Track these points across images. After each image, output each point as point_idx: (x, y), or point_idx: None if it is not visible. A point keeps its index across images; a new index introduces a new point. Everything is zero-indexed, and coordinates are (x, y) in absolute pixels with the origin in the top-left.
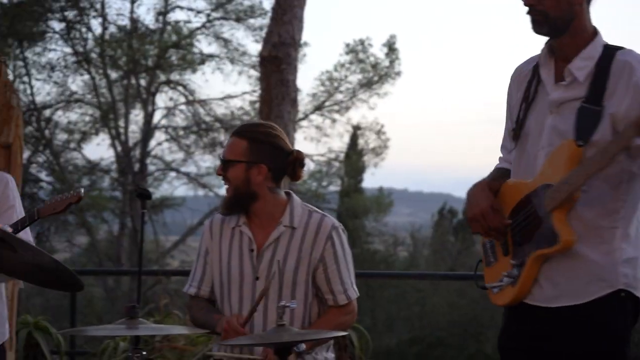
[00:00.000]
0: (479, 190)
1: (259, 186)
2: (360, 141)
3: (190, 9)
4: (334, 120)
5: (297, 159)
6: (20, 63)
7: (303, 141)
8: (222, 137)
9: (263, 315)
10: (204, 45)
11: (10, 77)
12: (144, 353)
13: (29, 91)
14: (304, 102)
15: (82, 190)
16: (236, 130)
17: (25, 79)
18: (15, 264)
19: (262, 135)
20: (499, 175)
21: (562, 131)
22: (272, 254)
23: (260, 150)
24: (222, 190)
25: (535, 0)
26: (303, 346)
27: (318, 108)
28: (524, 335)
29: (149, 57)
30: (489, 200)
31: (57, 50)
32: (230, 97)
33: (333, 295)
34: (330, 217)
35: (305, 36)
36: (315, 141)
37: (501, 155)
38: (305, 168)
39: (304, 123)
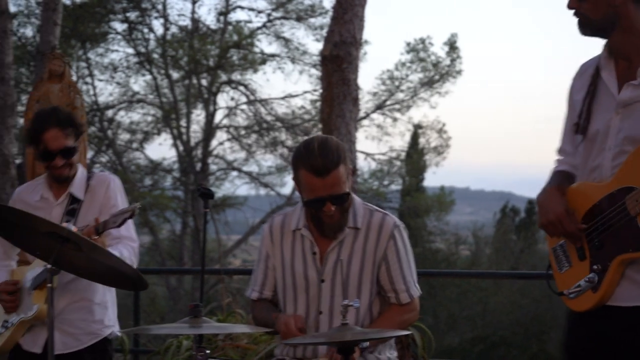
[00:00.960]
0: (551, 195)
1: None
2: (422, 140)
3: (251, 9)
4: (395, 119)
5: None
6: (83, 64)
7: (364, 140)
8: (284, 136)
9: (329, 315)
10: (265, 44)
11: (74, 78)
12: (208, 352)
13: (91, 92)
14: (365, 100)
15: (138, 206)
16: (328, 165)
17: (88, 79)
18: (80, 263)
19: (343, 151)
20: (563, 178)
21: (634, 132)
22: (336, 255)
23: (347, 159)
24: (284, 190)
25: (576, 4)
26: (367, 343)
27: (379, 107)
28: (599, 336)
29: (210, 57)
30: (563, 205)
31: (119, 51)
32: (291, 96)
33: (396, 293)
34: (392, 216)
35: (366, 34)
36: (376, 140)
37: (559, 157)
38: (366, 167)
39: (365, 122)
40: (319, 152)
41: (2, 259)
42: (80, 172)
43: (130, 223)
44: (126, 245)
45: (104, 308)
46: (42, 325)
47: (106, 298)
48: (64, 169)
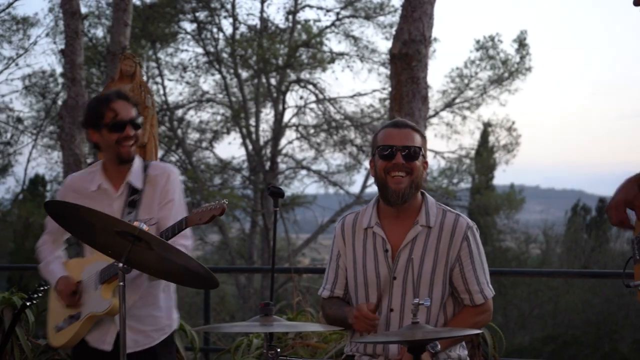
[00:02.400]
0: (625, 183)
1: (423, 181)
2: (491, 138)
3: (320, 8)
4: (464, 117)
5: None
6: (153, 64)
7: (434, 138)
8: (353, 134)
9: (399, 314)
10: (334, 43)
11: (144, 78)
12: (278, 350)
13: (161, 91)
14: (434, 99)
15: (226, 202)
16: (407, 123)
17: (158, 79)
18: (152, 262)
19: (423, 134)
20: None
21: None
22: (408, 253)
23: (425, 146)
24: (353, 188)
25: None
26: (438, 347)
27: (448, 105)
28: None
29: (279, 56)
30: (626, 194)
31: (188, 51)
32: (360, 94)
33: (470, 294)
34: (465, 217)
35: (435, 32)
36: (445, 138)
37: None
38: (436, 165)
39: (434, 120)
40: (398, 119)
41: (53, 249)
42: (137, 160)
43: (189, 233)
44: (179, 246)
45: (169, 301)
46: (110, 321)
47: (170, 291)
48: (131, 144)
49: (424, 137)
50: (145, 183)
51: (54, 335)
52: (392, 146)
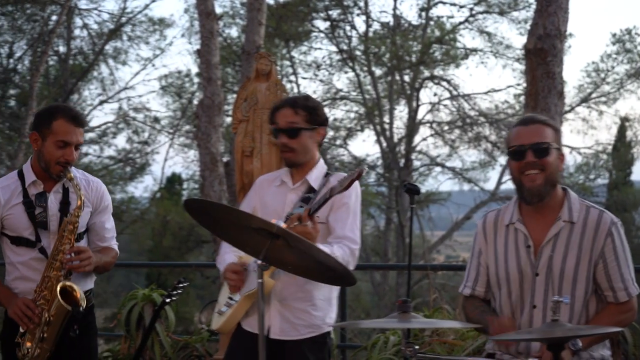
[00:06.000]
0: None
1: (560, 175)
2: (629, 132)
3: (453, 4)
4: (600, 112)
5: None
6: (287, 62)
7: (569, 134)
8: (487, 131)
9: (542, 311)
10: (468, 39)
11: (279, 76)
12: (417, 347)
13: (296, 89)
14: (570, 94)
15: (365, 168)
16: (536, 119)
17: (292, 77)
18: (290, 258)
19: (552, 122)
20: None
21: None
22: (551, 249)
23: (560, 139)
24: (488, 185)
25: None
26: (579, 344)
27: (584, 100)
28: None
29: (412, 53)
30: None
31: (322, 49)
32: (494, 90)
33: (613, 292)
34: (609, 213)
35: (570, 27)
36: (581, 133)
37: None
38: (572, 161)
39: (569, 115)
40: (528, 115)
41: None
42: (321, 165)
43: (357, 225)
44: (343, 245)
45: (329, 305)
46: (266, 307)
47: (332, 295)
48: (288, 150)
49: (556, 130)
50: (323, 186)
51: (215, 319)
52: (522, 145)
